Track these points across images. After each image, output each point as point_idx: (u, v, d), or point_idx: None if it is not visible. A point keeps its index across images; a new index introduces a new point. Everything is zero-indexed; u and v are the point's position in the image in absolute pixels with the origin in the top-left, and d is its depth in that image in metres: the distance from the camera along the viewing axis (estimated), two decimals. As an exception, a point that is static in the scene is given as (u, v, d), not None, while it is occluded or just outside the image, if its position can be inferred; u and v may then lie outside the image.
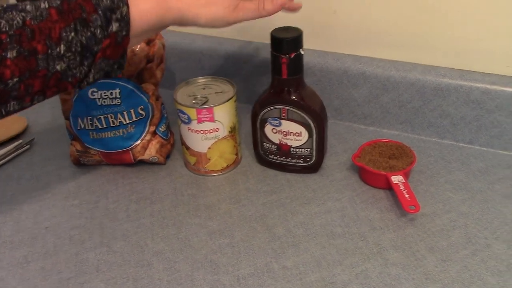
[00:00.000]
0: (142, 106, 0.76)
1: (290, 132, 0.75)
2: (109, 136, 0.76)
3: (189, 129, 0.74)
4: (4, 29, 0.49)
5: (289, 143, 0.76)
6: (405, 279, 0.60)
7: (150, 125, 0.78)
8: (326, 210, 0.71)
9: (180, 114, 0.74)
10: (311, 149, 0.76)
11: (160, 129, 0.79)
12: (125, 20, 0.55)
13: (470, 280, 0.60)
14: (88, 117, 0.75)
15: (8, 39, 0.49)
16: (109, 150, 0.77)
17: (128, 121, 0.76)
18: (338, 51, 0.86)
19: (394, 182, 0.70)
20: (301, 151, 0.77)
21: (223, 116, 0.74)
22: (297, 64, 0.71)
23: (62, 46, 0.52)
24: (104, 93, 0.74)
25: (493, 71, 0.78)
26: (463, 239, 0.65)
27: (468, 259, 0.62)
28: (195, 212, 0.72)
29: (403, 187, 0.69)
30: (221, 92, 0.76)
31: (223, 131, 0.75)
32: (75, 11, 0.52)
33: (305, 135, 0.75)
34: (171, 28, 0.98)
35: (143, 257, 0.65)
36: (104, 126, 0.75)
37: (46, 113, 0.97)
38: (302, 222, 0.69)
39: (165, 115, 0.81)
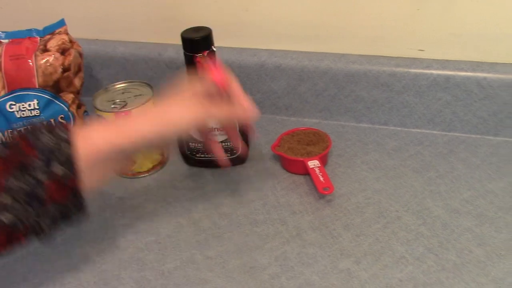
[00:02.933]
0: (62, 115, 0.77)
1: (214, 128, 0.78)
2: (32, 147, 0.77)
3: (110, 133, 0.76)
4: None
5: (214, 138, 0.79)
6: (321, 257, 0.64)
7: (73, 133, 0.79)
8: (249, 200, 0.74)
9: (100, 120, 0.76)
10: None
11: (84, 136, 0.81)
12: (69, 162, 0.50)
13: (381, 251, 0.64)
14: (9, 130, 0.75)
15: None
16: (34, 161, 0.78)
17: (49, 131, 0.77)
18: (254, 47, 0.89)
19: (311, 167, 0.74)
20: (227, 145, 0.79)
21: (143, 118, 0.75)
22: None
23: (6, 195, 0.48)
24: (22, 105, 0.74)
25: (397, 55, 0.83)
26: (376, 214, 0.69)
27: (380, 232, 0.66)
28: (122, 214, 0.74)
29: (318, 170, 0.73)
30: (140, 95, 0.78)
31: (145, 133, 0.77)
32: (18, 155, 0.50)
33: None
34: (90, 36, 1.00)
35: (70, 261, 0.66)
36: (26, 138, 0.76)
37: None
38: (226, 213, 0.72)
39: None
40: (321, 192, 0.70)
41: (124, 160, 0.58)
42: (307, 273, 0.62)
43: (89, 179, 0.53)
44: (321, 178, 0.72)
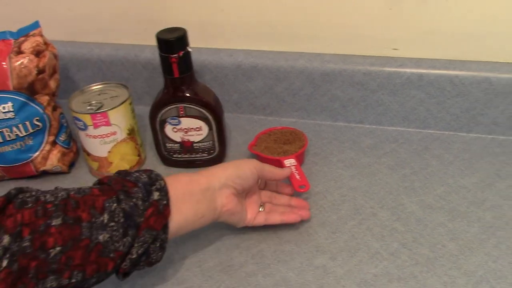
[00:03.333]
0: (37, 118, 0.76)
1: (191, 128, 0.78)
2: (7, 150, 0.76)
3: (87, 135, 0.76)
4: (49, 200, 0.51)
5: (191, 139, 0.79)
6: (297, 254, 0.64)
7: (48, 135, 0.78)
8: (226, 199, 0.74)
9: (76, 121, 0.75)
10: (213, 141, 0.79)
11: (60, 138, 0.80)
12: (164, 190, 0.56)
13: (356, 247, 0.64)
14: (-16, 134, 0.75)
15: (53, 208, 0.50)
16: (9, 164, 0.77)
17: (24, 134, 0.76)
18: (230, 47, 0.90)
19: (287, 165, 0.74)
20: (204, 145, 0.79)
21: (119, 119, 0.75)
22: (186, 61, 0.74)
23: (105, 215, 0.52)
24: (-3, 108, 0.74)
25: (371, 54, 0.84)
26: (352, 211, 0.70)
27: (355, 229, 0.67)
28: (99, 215, 0.73)
29: (294, 169, 0.73)
30: (116, 96, 0.78)
31: (121, 134, 0.77)
32: (117, 185, 0.55)
33: (205, 129, 0.78)
34: (66, 38, 0.99)
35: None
36: (1, 140, 0.75)
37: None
38: (203, 213, 0.72)
39: (65, 124, 0.82)
40: (297, 190, 0.70)
41: (209, 204, 0.62)
42: (283, 270, 0.62)
43: (177, 213, 0.57)
44: (297, 176, 0.72)
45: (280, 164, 0.75)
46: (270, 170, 0.67)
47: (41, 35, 0.79)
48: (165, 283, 0.62)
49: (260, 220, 0.67)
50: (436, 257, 0.62)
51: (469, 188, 0.72)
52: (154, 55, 0.92)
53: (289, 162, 0.75)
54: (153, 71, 0.93)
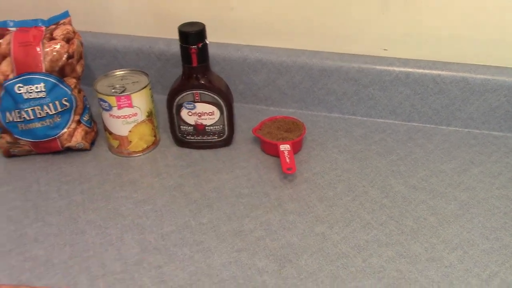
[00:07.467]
0: (66, 98, 0.84)
1: (204, 113, 0.87)
2: (37, 126, 0.84)
3: (110, 115, 0.84)
4: None
5: (204, 122, 0.88)
6: (300, 223, 0.74)
7: (74, 114, 0.87)
8: (235, 176, 0.83)
9: (101, 102, 0.84)
10: (223, 125, 0.88)
11: (84, 118, 0.88)
12: None
13: (351, 219, 0.74)
14: (16, 111, 0.83)
15: None
16: (38, 140, 0.85)
17: (54, 112, 0.84)
18: (238, 43, 0.99)
19: (281, 150, 0.84)
20: (215, 128, 0.88)
21: (140, 102, 0.84)
22: (204, 52, 0.83)
23: None
24: (30, 87, 0.81)
25: (365, 53, 0.94)
26: (346, 189, 0.80)
27: (350, 204, 0.77)
28: (121, 187, 0.82)
29: (287, 153, 0.83)
30: (137, 82, 0.86)
31: (141, 116, 0.85)
32: None
33: (217, 113, 0.87)
34: (84, 28, 1.07)
35: (77, 226, 0.74)
36: (32, 117, 0.83)
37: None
38: (214, 187, 0.81)
39: (88, 106, 0.90)
40: (285, 172, 0.79)
41: None
42: (288, 236, 0.72)
43: None
44: (287, 160, 0.81)
45: (276, 148, 0.85)
46: None
47: (70, 24, 0.87)
48: (184, 244, 0.71)
49: None
50: (419, 227, 0.72)
51: (447, 172, 0.83)
52: (167, 47, 1.00)
53: (284, 147, 0.84)
54: (166, 62, 1.02)
